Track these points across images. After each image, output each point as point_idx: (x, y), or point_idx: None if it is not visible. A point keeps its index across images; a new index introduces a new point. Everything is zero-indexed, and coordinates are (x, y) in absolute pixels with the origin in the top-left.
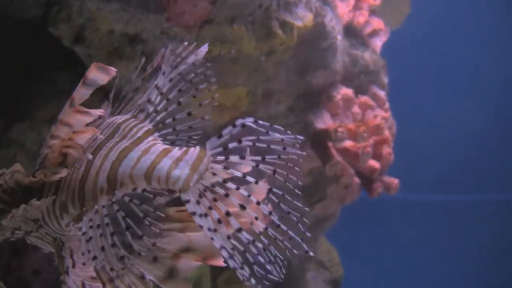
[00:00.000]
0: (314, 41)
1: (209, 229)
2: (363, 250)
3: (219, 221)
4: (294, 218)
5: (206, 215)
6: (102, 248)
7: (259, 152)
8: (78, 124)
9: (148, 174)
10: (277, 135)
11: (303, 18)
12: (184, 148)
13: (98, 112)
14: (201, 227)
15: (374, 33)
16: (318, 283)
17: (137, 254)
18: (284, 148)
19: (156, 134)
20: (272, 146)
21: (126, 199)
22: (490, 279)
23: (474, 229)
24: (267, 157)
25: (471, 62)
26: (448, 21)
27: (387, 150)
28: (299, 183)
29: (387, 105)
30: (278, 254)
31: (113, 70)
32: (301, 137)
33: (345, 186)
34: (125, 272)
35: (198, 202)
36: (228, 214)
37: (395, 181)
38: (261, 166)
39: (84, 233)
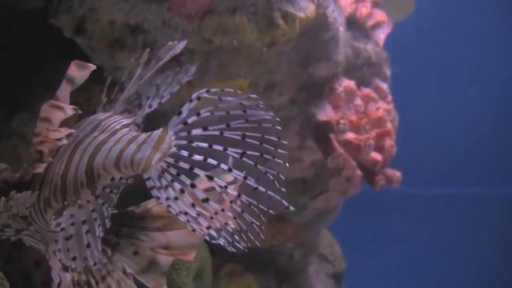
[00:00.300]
0: (316, 32)
1: (167, 198)
2: (366, 244)
3: (182, 191)
4: (271, 177)
5: (166, 186)
6: (88, 245)
7: (223, 121)
8: (56, 119)
9: (117, 162)
10: (230, 98)
11: (305, 9)
12: (149, 132)
13: (71, 109)
14: (158, 198)
15: (377, 25)
16: (320, 277)
17: (120, 249)
18: (245, 111)
19: (132, 126)
20: (232, 112)
21: (107, 190)
22: (493, 273)
23: (478, 222)
24: (232, 123)
25: (474, 55)
26: (451, 15)
27: (389, 142)
28: (283, 142)
29: (389, 97)
30: (253, 220)
31: (92, 66)
32: (254, 95)
33: (347, 179)
34: (114, 268)
35: (160, 177)
36: (193, 185)
37: (397, 173)
38: (228, 134)
39: (63, 229)
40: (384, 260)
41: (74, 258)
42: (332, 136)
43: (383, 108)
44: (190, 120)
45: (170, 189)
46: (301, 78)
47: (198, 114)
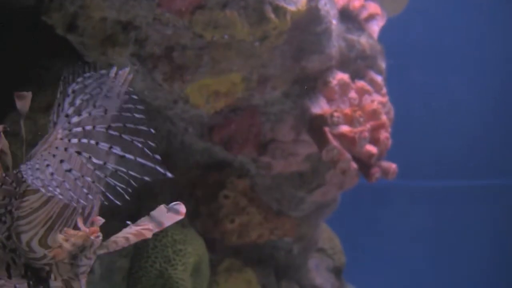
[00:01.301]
0: (308, 25)
1: (32, 175)
2: (365, 238)
3: (47, 165)
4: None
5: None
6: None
7: (100, 120)
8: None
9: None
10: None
11: (296, 2)
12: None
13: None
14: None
15: (371, 17)
16: (320, 271)
17: None
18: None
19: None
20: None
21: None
22: (492, 268)
23: (478, 216)
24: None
25: (473, 49)
26: (449, 6)
27: (384, 135)
28: (151, 143)
29: (384, 90)
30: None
31: (28, 93)
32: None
33: (342, 171)
34: None
35: (38, 160)
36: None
37: (392, 165)
38: (100, 128)
39: None
40: (383, 255)
41: None
42: (326, 129)
43: (377, 100)
44: (73, 120)
45: (37, 165)
46: (295, 71)
47: (80, 114)
